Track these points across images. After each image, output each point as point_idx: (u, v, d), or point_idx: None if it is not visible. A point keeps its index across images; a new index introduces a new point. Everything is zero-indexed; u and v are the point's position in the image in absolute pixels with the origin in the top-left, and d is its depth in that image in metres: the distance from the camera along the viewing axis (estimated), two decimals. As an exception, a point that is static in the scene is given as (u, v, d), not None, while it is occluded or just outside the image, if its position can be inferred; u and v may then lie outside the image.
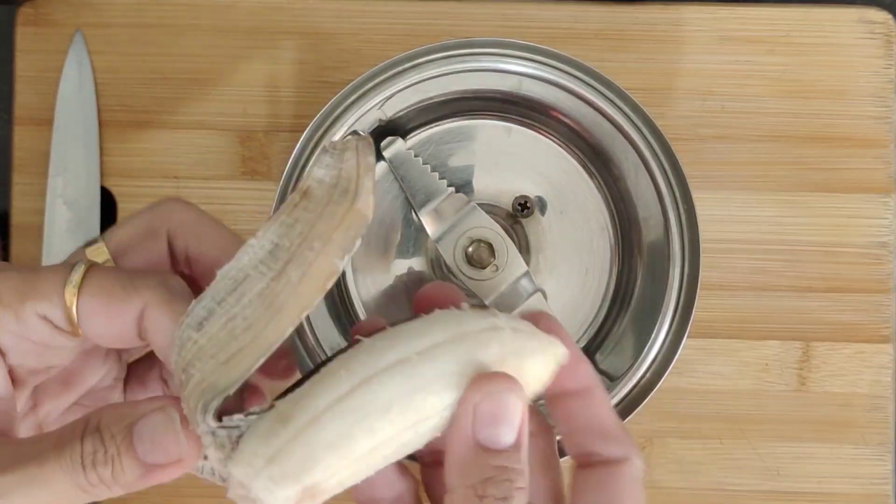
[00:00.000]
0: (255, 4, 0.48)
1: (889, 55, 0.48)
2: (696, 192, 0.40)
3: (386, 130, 0.43)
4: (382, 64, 0.41)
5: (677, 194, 0.41)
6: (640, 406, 0.40)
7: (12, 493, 0.25)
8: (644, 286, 0.43)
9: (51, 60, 0.48)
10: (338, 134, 0.41)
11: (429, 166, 0.43)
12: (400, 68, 0.41)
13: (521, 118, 0.44)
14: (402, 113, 0.43)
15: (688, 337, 0.40)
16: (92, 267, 0.28)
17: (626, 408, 0.40)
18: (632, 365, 0.40)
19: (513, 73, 0.41)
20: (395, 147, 0.43)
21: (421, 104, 0.43)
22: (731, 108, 0.48)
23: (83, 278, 0.28)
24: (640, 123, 0.41)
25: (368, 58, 0.47)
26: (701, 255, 0.40)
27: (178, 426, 0.26)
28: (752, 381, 0.47)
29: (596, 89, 0.41)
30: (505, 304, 0.43)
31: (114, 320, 0.28)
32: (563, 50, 0.41)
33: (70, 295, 0.28)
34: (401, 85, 0.41)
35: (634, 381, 0.40)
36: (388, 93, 0.41)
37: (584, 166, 0.45)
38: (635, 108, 0.41)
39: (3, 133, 0.49)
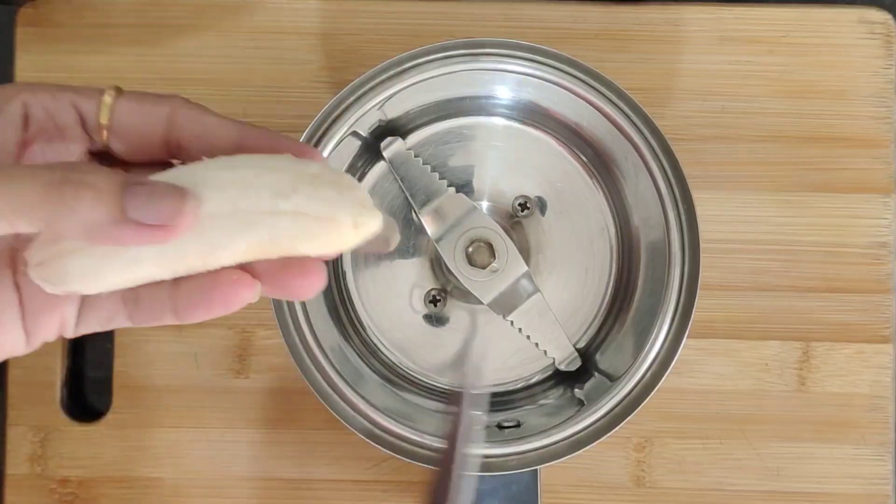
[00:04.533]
0: (256, 4, 0.48)
1: (889, 55, 0.48)
2: (696, 192, 0.40)
3: (386, 130, 0.43)
4: (382, 64, 0.41)
5: (677, 194, 0.41)
6: (641, 406, 0.40)
7: None
8: (644, 286, 0.43)
9: (51, 60, 0.48)
10: (338, 134, 0.41)
11: (429, 166, 0.43)
12: (400, 68, 0.41)
13: (521, 118, 0.44)
14: (402, 113, 0.43)
15: (688, 337, 0.40)
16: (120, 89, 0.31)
17: (626, 408, 0.40)
18: (632, 365, 0.40)
19: (513, 73, 0.41)
20: (395, 147, 0.43)
21: (421, 104, 0.43)
22: (731, 108, 0.48)
23: (117, 93, 0.31)
24: (640, 123, 0.41)
25: (368, 58, 0.47)
26: (701, 255, 0.40)
27: (189, 200, 0.27)
28: (753, 382, 0.47)
29: (596, 89, 0.41)
30: (505, 305, 0.43)
31: (147, 116, 0.31)
32: (563, 50, 0.41)
33: (108, 97, 0.31)
34: (401, 85, 0.41)
35: (634, 381, 0.40)
36: (388, 93, 0.41)
37: (584, 166, 0.45)
38: (635, 108, 0.41)
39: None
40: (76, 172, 0.26)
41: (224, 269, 0.30)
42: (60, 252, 0.28)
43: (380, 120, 0.42)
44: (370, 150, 0.44)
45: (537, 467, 0.40)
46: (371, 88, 0.41)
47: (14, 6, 0.48)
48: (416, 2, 0.48)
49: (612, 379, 0.41)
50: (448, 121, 0.44)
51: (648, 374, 0.40)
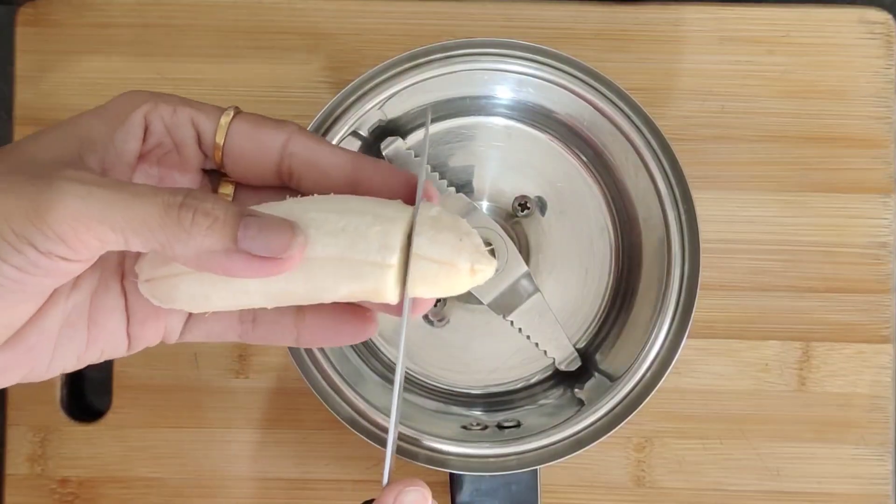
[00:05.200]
0: (256, 4, 0.48)
1: (889, 55, 0.48)
2: (696, 192, 0.40)
3: (386, 130, 0.43)
4: (382, 64, 0.41)
5: (677, 194, 0.41)
6: (641, 406, 0.40)
7: (95, 198, 0.26)
8: (644, 286, 0.43)
9: (51, 60, 0.48)
10: (338, 134, 0.41)
11: (429, 166, 0.43)
12: (400, 68, 0.41)
13: (521, 118, 0.44)
14: (401, 113, 0.43)
15: (688, 337, 0.40)
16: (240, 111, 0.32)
17: (626, 408, 0.40)
18: (632, 365, 0.40)
19: (513, 72, 0.41)
20: (395, 147, 0.43)
21: (421, 104, 0.43)
22: (731, 108, 0.48)
23: (235, 113, 0.31)
24: (640, 123, 0.41)
25: (368, 58, 0.47)
26: (701, 255, 0.40)
27: (298, 234, 0.27)
28: (753, 382, 0.47)
29: (596, 89, 0.41)
30: (505, 305, 0.43)
31: (260, 143, 0.31)
32: (563, 50, 0.41)
33: (226, 117, 0.31)
34: (401, 85, 0.41)
35: (634, 381, 0.40)
36: (388, 93, 0.41)
37: (585, 166, 0.45)
38: (635, 108, 0.41)
39: (3, 133, 0.49)
40: (194, 199, 0.26)
41: (350, 304, 0.31)
42: (170, 273, 0.29)
43: (380, 120, 0.42)
44: (370, 150, 0.43)
45: (537, 467, 0.40)
46: (371, 88, 0.41)
47: (14, 6, 0.48)
48: (416, 2, 0.48)
49: (613, 379, 0.41)
50: (448, 121, 0.44)
51: (648, 374, 0.40)
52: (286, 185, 0.32)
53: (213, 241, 0.26)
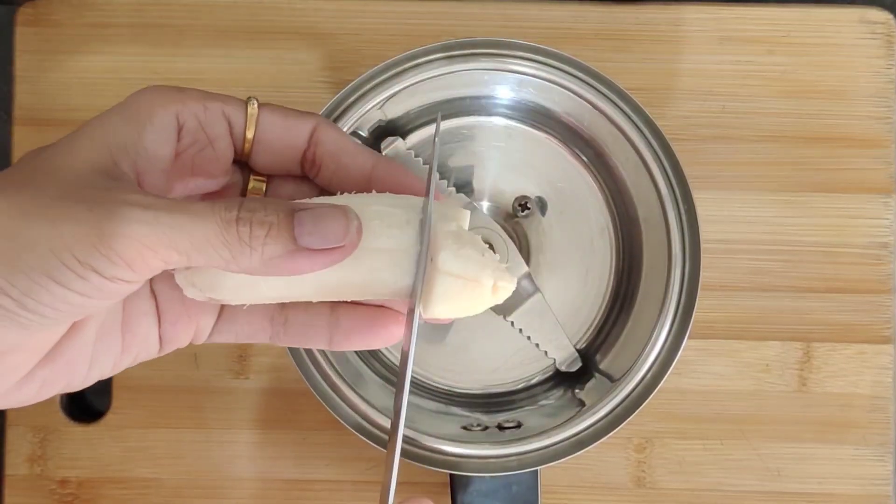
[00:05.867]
0: (255, 4, 0.48)
1: (890, 55, 0.48)
2: (697, 192, 0.40)
3: (386, 130, 0.43)
4: (382, 64, 0.41)
5: (677, 194, 0.41)
6: (641, 406, 0.40)
7: (160, 223, 0.26)
8: (644, 286, 0.43)
9: (51, 60, 0.48)
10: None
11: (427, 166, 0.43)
12: (400, 68, 0.41)
13: (521, 118, 0.44)
14: (402, 113, 0.43)
15: (688, 337, 0.40)
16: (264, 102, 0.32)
17: (626, 408, 0.40)
18: (632, 365, 0.40)
19: (513, 72, 0.41)
20: (395, 147, 0.43)
21: (421, 104, 0.43)
22: (731, 108, 0.48)
23: (259, 103, 0.32)
24: (640, 123, 0.41)
25: (368, 58, 0.47)
26: (701, 255, 0.40)
27: (352, 218, 0.28)
28: (753, 382, 0.47)
29: (596, 89, 0.41)
30: (505, 305, 0.43)
31: (290, 131, 0.31)
32: (563, 50, 0.41)
33: (252, 108, 0.31)
34: (401, 85, 0.41)
35: (635, 381, 0.40)
36: (388, 93, 0.41)
37: (585, 166, 0.45)
38: (635, 108, 0.41)
39: (3, 133, 0.49)
40: (247, 211, 0.27)
41: (381, 306, 0.32)
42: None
43: (380, 120, 0.42)
44: (370, 150, 0.43)
45: (538, 468, 0.40)
46: (371, 88, 0.41)
47: (14, 6, 0.48)
48: (416, 1, 0.48)
49: (613, 379, 0.41)
50: (448, 121, 0.44)
51: (649, 374, 0.40)
52: (306, 176, 0.32)
53: (273, 248, 0.27)
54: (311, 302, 0.31)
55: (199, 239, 0.26)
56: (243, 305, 0.31)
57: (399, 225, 0.29)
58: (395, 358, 0.45)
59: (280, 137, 0.32)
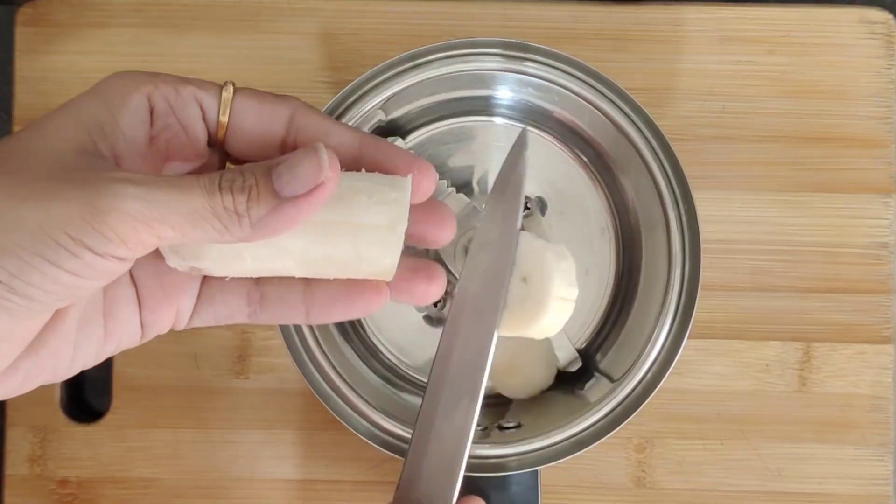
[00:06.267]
0: (256, 4, 0.48)
1: (890, 55, 0.48)
2: (697, 192, 0.40)
3: (386, 130, 0.43)
4: (382, 64, 0.41)
5: (677, 194, 0.41)
6: (641, 406, 0.40)
7: (152, 198, 0.26)
8: (644, 286, 0.43)
9: (51, 60, 0.48)
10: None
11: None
12: (400, 68, 0.41)
13: (521, 118, 0.44)
14: (402, 113, 0.43)
15: (688, 337, 0.40)
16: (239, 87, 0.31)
17: (626, 408, 0.40)
18: (632, 365, 0.40)
19: (513, 72, 0.41)
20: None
21: (421, 104, 0.43)
22: (731, 108, 0.48)
23: (235, 88, 0.31)
24: (640, 123, 0.41)
25: (368, 58, 0.47)
26: (701, 255, 0.40)
27: (322, 153, 0.28)
28: (753, 382, 0.47)
29: (596, 89, 0.41)
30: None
31: (266, 116, 0.31)
32: (563, 50, 0.41)
33: (226, 92, 0.30)
34: (401, 85, 0.41)
35: (635, 381, 0.40)
36: (388, 93, 0.41)
37: (585, 166, 0.45)
38: (635, 108, 0.41)
39: (3, 133, 0.49)
40: (227, 180, 0.27)
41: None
42: None
43: (380, 120, 0.42)
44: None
45: (538, 468, 0.40)
46: (371, 88, 0.41)
47: (14, 6, 0.48)
48: (416, 1, 0.48)
49: (613, 379, 0.41)
50: (448, 121, 0.44)
51: (649, 374, 0.40)
52: None
53: (260, 207, 0.27)
54: (285, 277, 0.31)
55: (190, 212, 0.26)
56: (224, 278, 0.31)
57: (387, 202, 0.29)
58: (394, 358, 0.45)
59: (256, 123, 0.31)
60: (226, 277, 0.31)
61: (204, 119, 0.31)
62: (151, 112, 0.30)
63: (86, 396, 0.49)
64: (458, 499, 0.32)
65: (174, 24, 0.48)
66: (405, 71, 0.41)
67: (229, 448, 0.47)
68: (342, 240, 0.29)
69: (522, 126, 0.44)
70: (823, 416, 0.47)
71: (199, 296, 0.32)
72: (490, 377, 0.33)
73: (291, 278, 0.32)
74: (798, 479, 0.47)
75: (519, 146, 0.35)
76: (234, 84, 0.31)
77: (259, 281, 0.32)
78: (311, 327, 0.40)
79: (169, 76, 0.31)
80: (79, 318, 0.30)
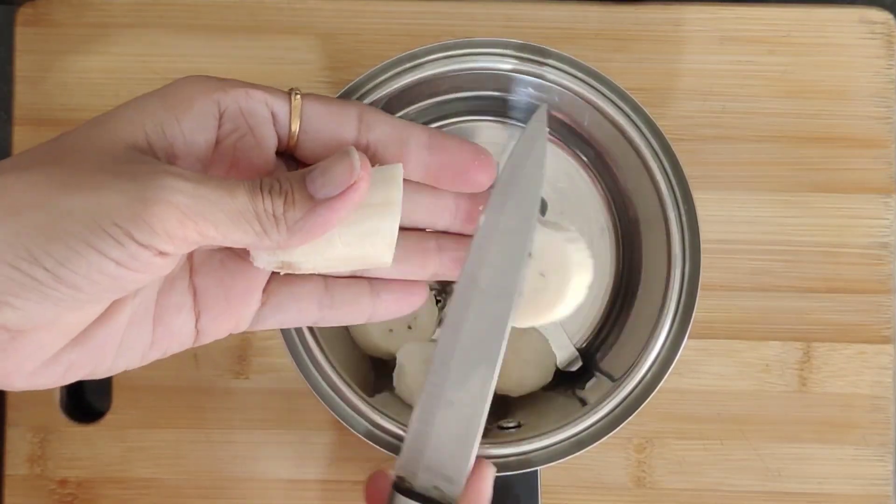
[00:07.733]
0: (256, 5, 0.48)
1: (890, 55, 0.48)
2: (697, 192, 0.40)
3: (386, 130, 0.43)
4: (382, 64, 0.41)
5: (677, 194, 0.41)
6: (641, 406, 0.39)
7: (200, 194, 0.27)
8: (644, 286, 0.43)
9: (51, 60, 0.48)
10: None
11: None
12: (400, 68, 0.41)
13: (521, 118, 0.44)
14: (402, 113, 0.43)
15: (688, 337, 0.40)
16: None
17: (626, 408, 0.40)
18: (632, 365, 0.40)
19: (513, 73, 0.41)
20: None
21: (421, 104, 0.43)
22: (731, 108, 0.48)
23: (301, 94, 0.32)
24: (640, 123, 0.41)
25: (368, 58, 0.47)
26: (701, 255, 0.40)
27: (354, 155, 0.29)
28: (753, 382, 0.47)
29: (596, 89, 0.41)
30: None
31: (334, 120, 0.32)
32: (563, 50, 0.41)
33: (295, 99, 0.32)
34: (401, 85, 0.41)
35: (635, 381, 0.40)
36: (388, 93, 0.41)
37: (584, 166, 0.45)
38: (635, 108, 0.41)
39: (3, 133, 0.49)
40: (266, 184, 0.28)
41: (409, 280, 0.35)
42: None
43: (380, 120, 0.42)
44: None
45: (538, 468, 0.40)
46: (371, 88, 0.41)
47: (14, 6, 0.48)
48: (416, 1, 0.48)
49: (613, 379, 0.41)
50: (448, 121, 0.44)
51: (649, 374, 0.40)
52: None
53: (296, 211, 0.28)
54: (352, 280, 0.34)
55: (234, 212, 0.27)
56: (293, 284, 0.33)
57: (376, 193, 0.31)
58: (393, 358, 0.45)
59: (325, 127, 0.32)
60: (296, 281, 0.33)
61: (274, 124, 0.32)
62: (220, 116, 0.31)
63: (86, 396, 0.49)
64: None
65: (174, 24, 0.48)
66: (405, 71, 0.41)
67: (229, 448, 0.47)
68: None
69: (523, 126, 0.44)
70: (823, 416, 0.47)
71: (264, 303, 0.33)
72: None
73: (359, 281, 0.34)
74: (798, 479, 0.47)
75: (537, 123, 0.36)
76: (300, 90, 0.32)
77: (328, 285, 0.34)
78: (310, 328, 0.40)
79: (238, 81, 0.31)
80: (129, 318, 0.30)
